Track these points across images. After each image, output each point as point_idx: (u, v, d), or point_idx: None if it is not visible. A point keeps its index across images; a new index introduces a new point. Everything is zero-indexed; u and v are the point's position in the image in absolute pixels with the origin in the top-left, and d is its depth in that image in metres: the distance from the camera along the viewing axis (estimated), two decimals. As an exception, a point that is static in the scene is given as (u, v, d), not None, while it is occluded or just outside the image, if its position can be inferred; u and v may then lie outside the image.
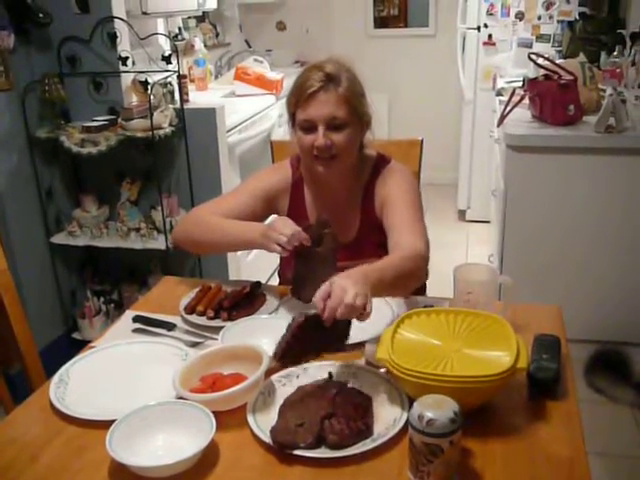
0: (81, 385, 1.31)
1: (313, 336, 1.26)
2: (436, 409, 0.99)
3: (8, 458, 1.13)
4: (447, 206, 4.74)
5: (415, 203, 1.67)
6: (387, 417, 1.16)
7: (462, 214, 4.60)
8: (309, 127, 1.60)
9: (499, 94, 3.60)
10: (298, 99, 1.61)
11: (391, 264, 1.44)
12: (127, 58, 2.80)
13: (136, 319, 1.54)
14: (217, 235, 1.67)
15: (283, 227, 1.49)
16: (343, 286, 1.23)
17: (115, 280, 3.13)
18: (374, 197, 1.72)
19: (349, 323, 1.29)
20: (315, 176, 1.70)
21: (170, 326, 1.51)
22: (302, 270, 1.55)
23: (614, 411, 2.51)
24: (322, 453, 1.08)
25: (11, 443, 1.17)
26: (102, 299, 3.05)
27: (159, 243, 2.82)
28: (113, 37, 2.77)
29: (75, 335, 3.02)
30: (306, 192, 1.77)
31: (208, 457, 1.09)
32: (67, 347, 2.89)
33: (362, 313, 1.24)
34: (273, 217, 1.73)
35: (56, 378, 1.32)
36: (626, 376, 2.62)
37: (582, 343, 2.67)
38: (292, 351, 1.26)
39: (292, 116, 1.66)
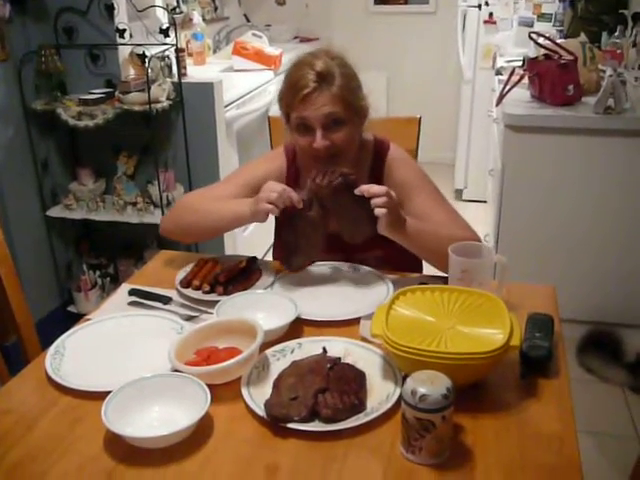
0: (77, 357, 1.31)
1: (346, 196, 1.46)
2: (429, 385, 1.00)
3: (3, 428, 1.13)
4: (444, 185, 4.67)
5: (439, 193, 1.70)
6: (381, 392, 1.17)
7: (459, 193, 4.60)
8: (305, 128, 1.56)
9: (498, 73, 3.58)
10: (291, 100, 1.56)
11: (437, 232, 1.54)
12: (124, 30, 2.77)
13: (132, 292, 1.55)
14: (207, 217, 1.64)
15: (273, 185, 1.49)
16: (391, 193, 1.43)
17: (111, 254, 3.13)
18: (382, 183, 1.66)
19: (374, 223, 1.44)
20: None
21: (166, 300, 1.51)
22: (292, 237, 1.55)
23: (605, 391, 2.53)
24: (315, 427, 1.09)
25: (6, 413, 1.17)
26: (98, 273, 3.05)
27: (155, 217, 2.81)
28: (110, 9, 2.74)
29: (70, 308, 3.03)
30: (302, 182, 1.70)
31: (202, 429, 1.10)
32: (62, 320, 2.90)
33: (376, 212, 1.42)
34: None
35: (52, 349, 1.32)
36: (617, 356, 2.64)
37: (575, 323, 2.68)
38: (331, 185, 1.45)
39: (286, 115, 1.61)
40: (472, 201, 4.46)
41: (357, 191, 1.44)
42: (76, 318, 1.53)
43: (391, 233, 1.47)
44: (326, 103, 1.53)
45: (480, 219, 4.03)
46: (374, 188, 1.44)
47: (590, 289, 2.88)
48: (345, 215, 1.50)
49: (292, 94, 1.55)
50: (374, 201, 1.42)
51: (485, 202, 4.15)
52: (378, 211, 1.43)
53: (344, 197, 1.47)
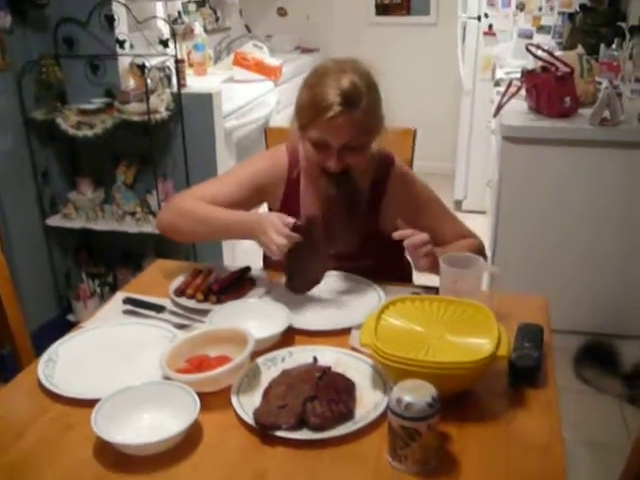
0: (70, 364, 1.32)
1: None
2: (414, 394, 1.01)
3: (-5, 434, 1.15)
4: (443, 196, 4.65)
5: (441, 202, 1.74)
6: (369, 401, 1.18)
7: (458, 204, 4.61)
8: (322, 146, 1.52)
9: (497, 84, 3.60)
10: (313, 118, 1.49)
11: (460, 250, 1.55)
12: (124, 41, 2.80)
13: (126, 301, 1.56)
14: (205, 227, 1.62)
15: (277, 237, 1.43)
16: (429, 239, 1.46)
17: (110, 263, 3.14)
18: (383, 196, 1.69)
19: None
20: (317, 181, 1.64)
21: (159, 308, 1.52)
22: (294, 264, 1.52)
23: (601, 401, 2.54)
24: (303, 435, 1.10)
25: (-1, 420, 1.19)
26: (97, 281, 3.07)
27: (154, 227, 2.82)
28: (110, 19, 2.76)
29: (69, 317, 3.04)
30: (302, 187, 1.71)
31: (192, 437, 1.11)
32: (61, 328, 2.86)
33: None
34: (264, 212, 1.65)
35: (45, 357, 1.33)
36: (614, 368, 2.66)
37: (571, 334, 2.70)
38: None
39: (303, 127, 1.54)
40: (471, 212, 4.47)
41: (396, 235, 1.46)
42: (74, 327, 1.54)
43: (429, 272, 1.51)
44: (349, 129, 1.48)
45: (479, 230, 4.02)
46: (417, 238, 1.45)
47: (586, 300, 2.88)
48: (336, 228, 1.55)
49: (315, 112, 1.48)
50: (420, 252, 1.45)
51: (484, 213, 4.16)
52: (424, 262, 1.46)
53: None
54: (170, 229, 1.69)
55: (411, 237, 1.45)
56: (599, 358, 2.76)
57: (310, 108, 1.50)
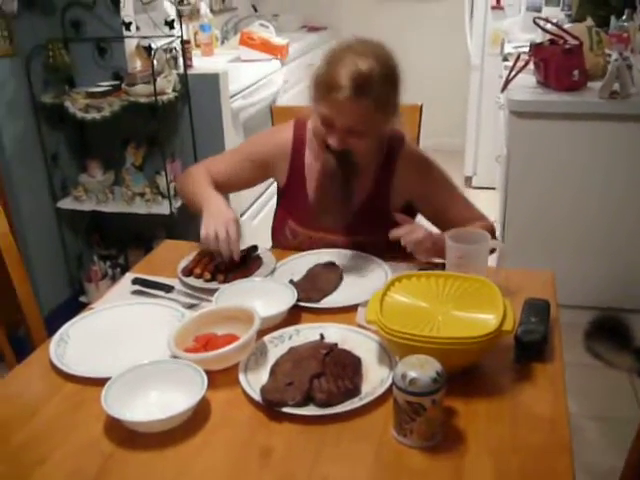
0: (80, 344, 1.34)
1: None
2: (419, 369, 1.01)
3: (9, 413, 1.17)
4: (453, 172, 4.62)
5: (451, 181, 1.74)
6: (375, 377, 1.19)
7: (468, 180, 4.59)
8: (327, 123, 1.51)
9: (505, 59, 3.56)
10: (322, 95, 1.49)
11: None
12: (130, 23, 2.79)
13: (135, 281, 1.57)
14: (189, 194, 1.75)
15: (231, 227, 1.57)
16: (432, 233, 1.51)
17: (121, 245, 3.17)
18: (393, 175, 1.68)
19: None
20: (319, 153, 1.66)
21: (168, 288, 1.54)
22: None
23: (612, 376, 2.54)
24: (309, 411, 1.11)
25: (11, 399, 1.21)
26: (108, 263, 3.09)
27: (163, 208, 2.84)
28: (116, 2, 2.75)
29: (82, 298, 3.07)
30: (307, 162, 1.72)
31: (200, 414, 1.12)
32: (74, 310, 2.89)
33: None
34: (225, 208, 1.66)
35: (56, 337, 1.36)
36: (625, 342, 2.64)
37: (581, 309, 2.68)
38: None
39: (314, 99, 1.54)
40: (482, 188, 4.45)
41: (392, 236, 1.49)
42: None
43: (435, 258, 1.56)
44: (354, 115, 1.47)
45: (489, 206, 4.00)
46: (413, 237, 1.48)
47: (596, 275, 2.87)
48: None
49: (326, 90, 1.47)
50: (419, 249, 1.49)
51: (494, 189, 4.14)
52: (425, 256, 1.53)
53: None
54: (178, 189, 1.98)
55: (408, 235, 1.48)
56: (610, 332, 2.74)
57: (323, 84, 1.49)
